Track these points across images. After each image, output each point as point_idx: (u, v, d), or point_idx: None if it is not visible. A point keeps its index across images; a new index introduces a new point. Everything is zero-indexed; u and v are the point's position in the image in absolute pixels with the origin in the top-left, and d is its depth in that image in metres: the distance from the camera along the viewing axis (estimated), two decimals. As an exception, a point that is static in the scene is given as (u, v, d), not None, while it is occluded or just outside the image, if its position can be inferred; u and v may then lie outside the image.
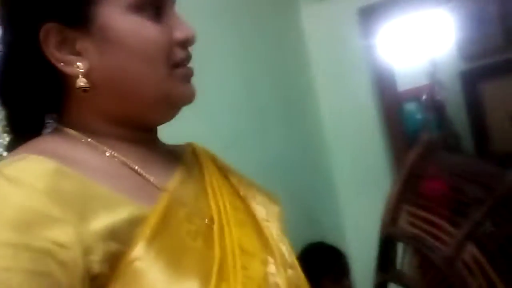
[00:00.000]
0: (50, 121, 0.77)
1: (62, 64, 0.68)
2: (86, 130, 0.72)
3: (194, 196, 0.75)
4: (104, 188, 0.64)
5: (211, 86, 1.97)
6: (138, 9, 0.68)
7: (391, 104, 2.50)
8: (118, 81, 0.70)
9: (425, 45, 2.88)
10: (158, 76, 0.70)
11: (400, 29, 2.53)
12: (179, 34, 0.72)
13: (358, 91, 2.46)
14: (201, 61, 1.91)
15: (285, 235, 0.82)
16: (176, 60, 0.72)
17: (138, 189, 0.69)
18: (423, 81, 2.98)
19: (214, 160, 0.87)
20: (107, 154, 0.70)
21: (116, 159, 0.70)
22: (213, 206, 0.75)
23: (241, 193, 0.82)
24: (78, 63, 0.68)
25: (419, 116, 3.14)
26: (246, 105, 2.12)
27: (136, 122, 0.73)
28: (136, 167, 0.71)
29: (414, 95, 3.05)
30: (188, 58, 0.74)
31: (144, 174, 0.71)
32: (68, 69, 0.68)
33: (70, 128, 0.72)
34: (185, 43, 0.73)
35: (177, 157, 0.81)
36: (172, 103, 0.73)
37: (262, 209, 0.82)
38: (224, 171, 0.85)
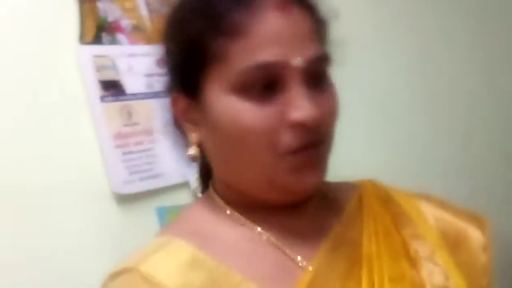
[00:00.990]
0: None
1: (184, 129, 0.71)
2: (223, 195, 0.72)
3: (344, 270, 0.67)
4: (237, 277, 0.63)
5: (446, 76, 1.90)
6: (240, 89, 0.62)
7: None
8: (223, 158, 0.69)
9: None
10: (259, 163, 0.64)
11: None
12: (292, 115, 0.62)
13: None
14: (437, 52, 1.82)
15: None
16: (285, 148, 0.63)
17: (275, 270, 0.66)
18: None
19: (387, 204, 0.76)
20: (246, 227, 0.68)
21: (255, 232, 0.68)
22: (365, 284, 0.66)
23: (412, 252, 0.71)
24: (193, 133, 0.70)
25: None
26: (485, 92, 1.99)
27: (252, 199, 0.69)
28: (276, 242, 0.67)
29: None
30: (307, 143, 0.63)
31: (284, 249, 0.67)
32: (188, 136, 0.71)
33: (217, 188, 0.73)
34: (301, 127, 0.62)
35: (336, 212, 0.73)
36: (281, 191, 0.66)
37: (439, 273, 0.70)
38: (396, 220, 0.74)
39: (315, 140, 0.64)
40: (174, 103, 0.70)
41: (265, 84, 0.62)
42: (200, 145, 0.70)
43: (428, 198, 0.80)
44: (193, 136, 0.69)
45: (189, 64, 0.66)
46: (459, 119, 1.90)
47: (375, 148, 1.66)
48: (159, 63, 1.26)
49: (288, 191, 0.66)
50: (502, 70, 2.05)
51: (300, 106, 0.62)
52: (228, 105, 0.63)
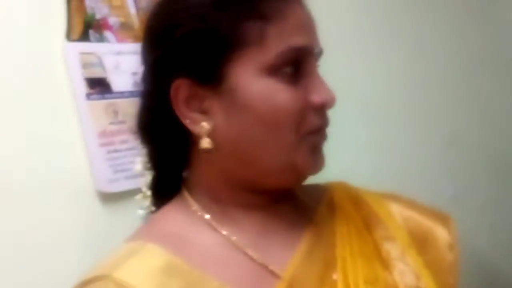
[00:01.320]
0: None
1: (187, 121, 0.67)
2: (205, 193, 0.71)
3: (319, 273, 0.68)
4: (214, 283, 0.63)
5: (429, 80, 1.91)
6: (274, 71, 0.64)
7: None
8: (241, 144, 0.67)
9: None
10: (284, 144, 0.65)
11: None
12: (316, 98, 0.66)
13: None
14: (421, 54, 1.82)
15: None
16: (308, 128, 0.66)
17: (251, 277, 0.66)
18: None
19: (358, 205, 0.78)
20: (223, 233, 0.68)
21: (231, 238, 0.68)
22: (340, 286, 0.67)
23: (384, 253, 0.72)
24: (203, 123, 0.67)
25: None
26: (467, 98, 2.01)
27: (256, 187, 0.69)
28: (251, 251, 0.67)
29: None
30: (323, 125, 0.68)
31: (260, 255, 0.67)
32: (192, 127, 0.67)
33: (193, 190, 0.72)
34: (322, 108, 0.67)
35: (308, 214, 0.74)
36: (295, 173, 0.67)
37: (410, 273, 0.71)
38: (367, 221, 0.76)
39: (327, 122, 0.69)
40: (175, 93, 0.67)
41: (293, 68, 0.66)
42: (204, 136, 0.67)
43: (396, 198, 0.81)
44: (203, 126, 0.67)
45: (212, 49, 0.65)
46: (443, 121, 1.92)
47: (358, 148, 1.67)
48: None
49: (302, 172, 0.69)
50: (486, 73, 2.08)
51: (322, 90, 0.67)
52: (263, 87, 0.64)
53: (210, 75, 0.66)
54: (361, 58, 1.72)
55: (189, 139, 0.70)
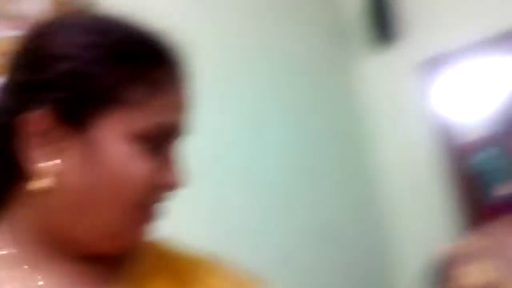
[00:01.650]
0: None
1: (34, 154, 0.64)
2: (24, 234, 0.68)
3: None
4: None
5: (259, 144, 2.00)
6: (138, 140, 0.65)
7: (456, 157, 2.35)
8: (80, 196, 0.65)
9: (490, 94, 2.71)
10: (120, 211, 0.67)
11: (463, 79, 2.43)
12: (166, 179, 0.68)
13: (420, 147, 2.35)
14: (257, 134, 1.86)
15: None
16: (145, 203, 0.68)
17: None
18: (489, 131, 2.72)
19: (169, 266, 0.77)
20: (36, 277, 0.66)
21: (36, 281, 0.66)
22: None
23: None
24: (50, 162, 0.63)
25: (492, 166, 2.77)
26: (294, 162, 2.07)
27: (72, 241, 0.68)
28: None
29: (481, 145, 2.71)
30: (160, 202, 0.70)
31: None
32: (37, 163, 0.64)
33: (13, 228, 0.68)
34: (167, 189, 0.69)
35: (125, 270, 0.74)
36: (116, 244, 0.69)
37: None
38: (177, 282, 0.76)
39: (164, 200, 0.71)
40: (32, 123, 0.63)
41: (156, 142, 0.67)
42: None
43: (210, 262, 0.81)
44: (49, 165, 0.63)
45: (87, 97, 0.64)
46: (277, 187, 1.98)
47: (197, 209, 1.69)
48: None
49: (127, 243, 0.70)
50: (307, 146, 2.17)
51: (174, 172, 0.69)
52: (122, 151, 0.64)
53: (77, 119, 0.64)
54: (214, 141, 1.81)
55: (23, 173, 0.65)
